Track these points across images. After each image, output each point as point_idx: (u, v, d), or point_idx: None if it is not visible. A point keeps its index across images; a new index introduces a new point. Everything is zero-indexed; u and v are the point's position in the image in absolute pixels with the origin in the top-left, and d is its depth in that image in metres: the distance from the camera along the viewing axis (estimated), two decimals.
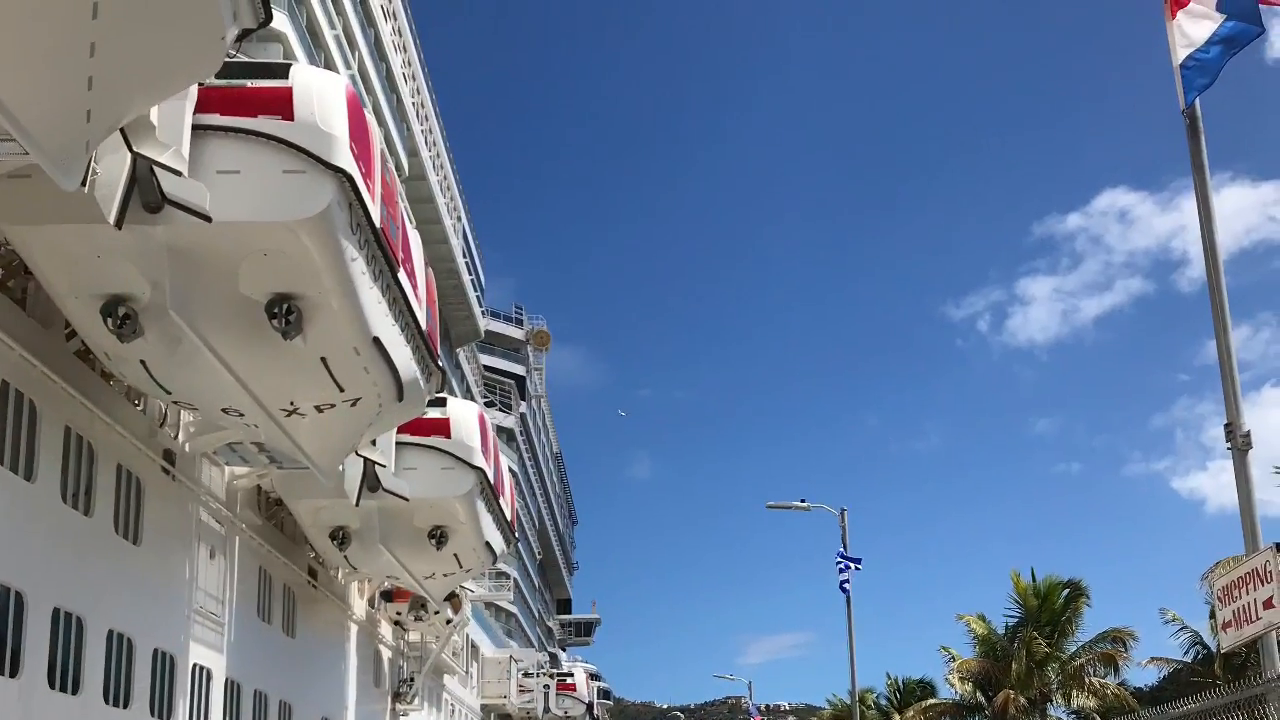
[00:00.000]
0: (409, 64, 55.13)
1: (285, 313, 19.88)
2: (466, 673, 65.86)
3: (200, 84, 18.07)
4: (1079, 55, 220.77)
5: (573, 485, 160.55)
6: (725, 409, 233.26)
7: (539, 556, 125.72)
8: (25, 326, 20.99)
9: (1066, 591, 55.55)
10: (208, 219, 17.46)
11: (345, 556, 35.30)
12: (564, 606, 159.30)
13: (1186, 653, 48.67)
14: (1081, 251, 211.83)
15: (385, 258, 21.55)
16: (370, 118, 20.98)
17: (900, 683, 79.16)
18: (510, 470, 47.97)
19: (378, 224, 20.66)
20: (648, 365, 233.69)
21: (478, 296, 74.33)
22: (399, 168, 48.98)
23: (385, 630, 47.33)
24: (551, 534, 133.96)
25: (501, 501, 38.46)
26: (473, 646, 69.97)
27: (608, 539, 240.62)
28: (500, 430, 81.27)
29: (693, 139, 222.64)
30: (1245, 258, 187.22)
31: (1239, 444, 16.04)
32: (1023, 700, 54.16)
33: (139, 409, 25.37)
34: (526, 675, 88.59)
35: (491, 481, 35.95)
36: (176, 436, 26.91)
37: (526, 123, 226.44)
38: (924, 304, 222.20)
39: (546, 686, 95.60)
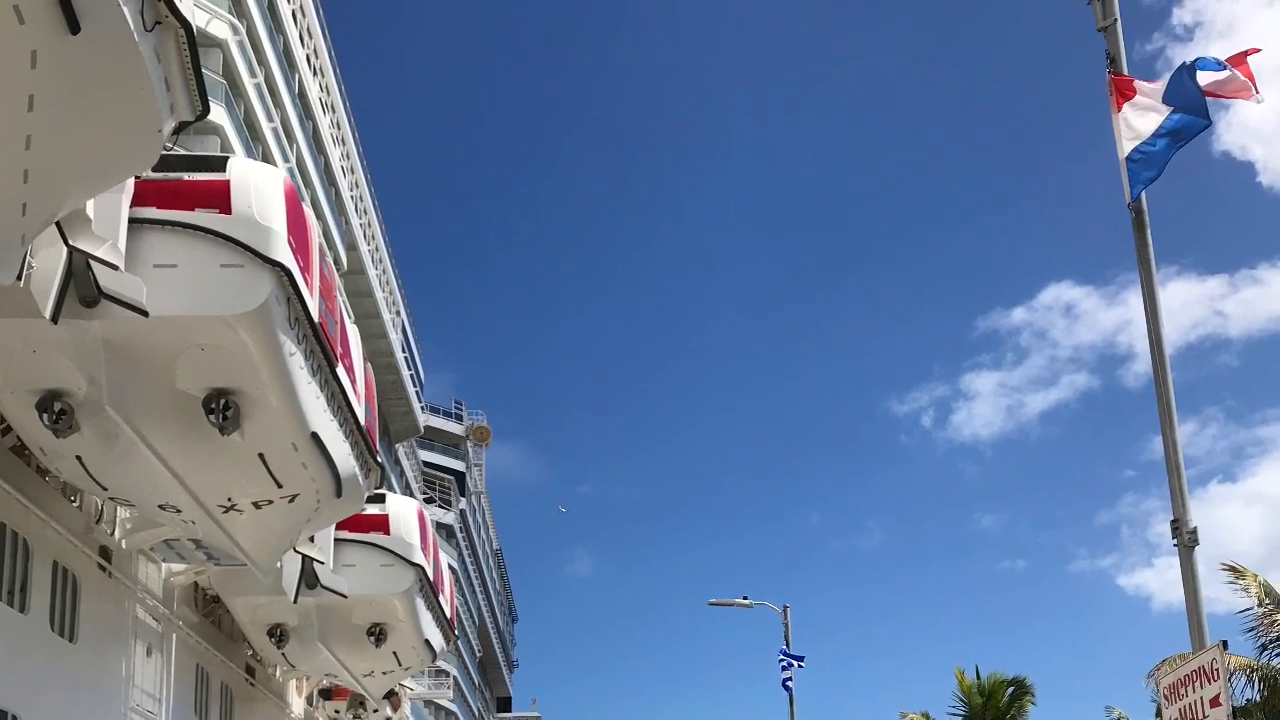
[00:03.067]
0: (348, 156, 55.20)
1: (223, 408, 19.63)
2: None
3: (137, 177, 17.90)
4: (1024, 148, 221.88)
5: (513, 582, 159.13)
6: (666, 505, 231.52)
7: (479, 654, 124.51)
8: None
9: (1011, 689, 55.26)
10: (144, 313, 17.25)
11: (283, 654, 34.78)
12: (504, 705, 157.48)
13: None
14: (1026, 346, 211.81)
15: (324, 352, 21.34)
16: (309, 211, 20.86)
17: None
18: (450, 567, 47.64)
19: (316, 319, 20.46)
20: (588, 461, 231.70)
21: (417, 391, 74.11)
22: (337, 261, 48.95)
23: None
24: (491, 631, 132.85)
25: (441, 599, 38.05)
26: None
27: (548, 636, 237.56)
28: (440, 527, 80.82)
29: (633, 232, 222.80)
30: (1191, 352, 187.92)
31: (1185, 540, 15.95)
32: None
33: (75, 505, 24.98)
34: None
35: (431, 578, 35.57)
36: (113, 533, 26.50)
37: (466, 216, 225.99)
38: (867, 399, 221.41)
39: None
